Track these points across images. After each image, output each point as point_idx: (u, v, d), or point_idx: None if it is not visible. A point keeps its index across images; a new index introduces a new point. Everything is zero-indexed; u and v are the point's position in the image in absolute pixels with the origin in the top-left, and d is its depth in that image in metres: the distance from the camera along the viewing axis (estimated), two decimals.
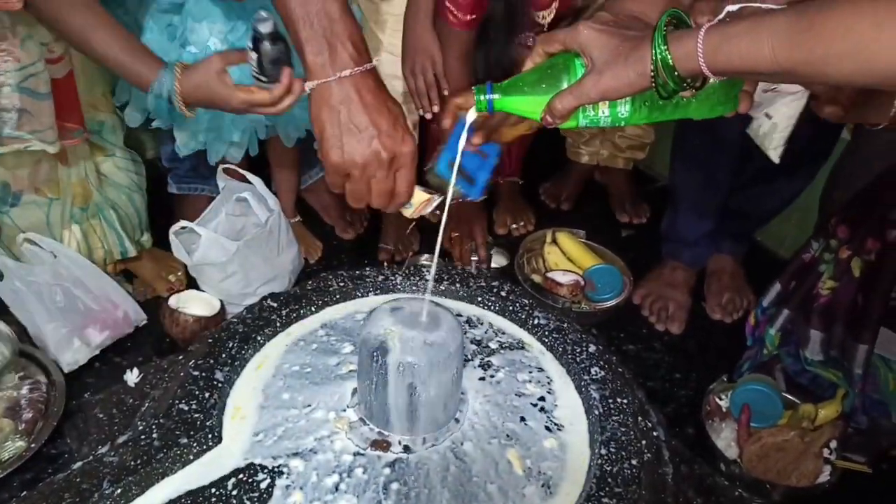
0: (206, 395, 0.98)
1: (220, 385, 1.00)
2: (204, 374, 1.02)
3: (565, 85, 0.81)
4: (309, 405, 0.99)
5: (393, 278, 1.25)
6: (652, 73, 0.73)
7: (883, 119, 1.05)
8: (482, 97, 0.85)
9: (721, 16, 0.79)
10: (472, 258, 1.83)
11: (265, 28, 1.09)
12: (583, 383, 1.04)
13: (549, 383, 1.06)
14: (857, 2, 0.61)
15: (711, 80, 0.74)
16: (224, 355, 1.06)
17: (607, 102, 0.81)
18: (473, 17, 1.56)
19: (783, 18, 0.66)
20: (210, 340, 1.10)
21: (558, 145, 2.26)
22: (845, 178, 1.55)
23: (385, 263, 1.90)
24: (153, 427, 0.94)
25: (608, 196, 2.25)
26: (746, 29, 0.68)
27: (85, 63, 1.49)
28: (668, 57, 0.72)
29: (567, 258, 1.84)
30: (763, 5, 0.81)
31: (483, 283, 1.25)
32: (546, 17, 1.59)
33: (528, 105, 0.84)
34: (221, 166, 1.64)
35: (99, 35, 1.21)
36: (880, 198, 1.27)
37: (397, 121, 0.89)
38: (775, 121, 1.10)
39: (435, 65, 1.61)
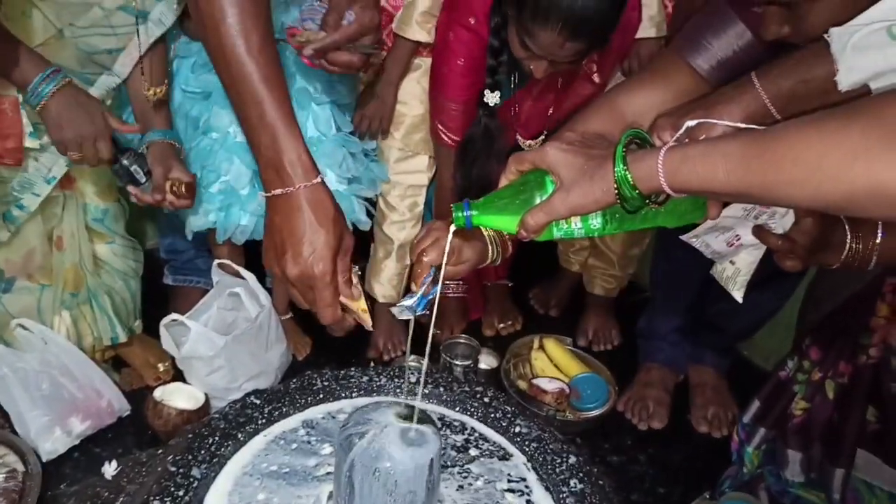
0: (181, 492, 0.97)
1: (196, 482, 1.00)
2: (181, 471, 1.01)
3: (538, 200, 0.85)
4: None
5: (377, 379, 1.26)
6: (616, 191, 0.77)
7: (836, 261, 1.12)
8: (460, 214, 0.90)
9: (681, 131, 0.84)
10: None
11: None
12: (562, 496, 1.04)
13: (528, 494, 1.05)
14: (803, 131, 0.66)
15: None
16: (203, 452, 1.05)
17: (579, 216, 0.85)
18: (461, 138, 1.72)
19: (735, 144, 0.70)
20: (190, 436, 1.09)
21: (551, 251, 2.30)
22: (817, 300, 1.58)
23: (373, 363, 1.91)
24: None
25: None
26: (702, 152, 0.72)
27: None
28: (629, 176, 0.76)
29: (553, 365, 1.85)
30: (719, 122, 0.86)
31: (467, 389, 1.26)
32: (533, 146, 1.70)
33: (504, 220, 0.89)
34: (217, 261, 1.67)
35: None
36: (850, 322, 1.30)
37: (305, 243, 0.91)
38: (738, 266, 1.17)
39: (383, 120, 1.76)
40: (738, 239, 1.14)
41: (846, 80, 0.74)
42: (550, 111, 1.73)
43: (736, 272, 1.17)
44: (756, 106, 0.96)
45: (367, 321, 1.01)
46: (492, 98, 1.62)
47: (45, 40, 1.36)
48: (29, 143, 1.38)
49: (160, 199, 1.46)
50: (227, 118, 1.59)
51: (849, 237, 1.11)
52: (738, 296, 1.18)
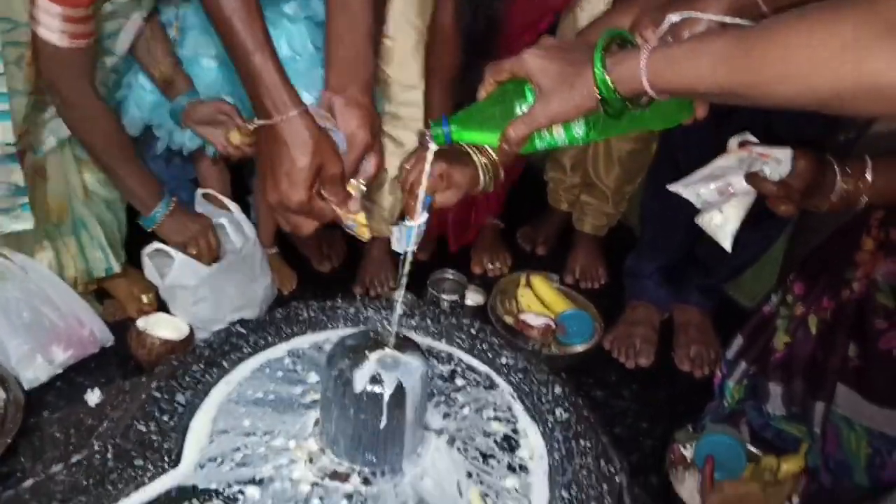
0: (166, 417, 0.97)
1: (180, 408, 0.99)
2: (165, 397, 1.00)
3: (518, 111, 0.83)
4: (269, 433, 0.97)
5: (364, 311, 1.25)
6: (597, 95, 0.75)
7: (824, 205, 1.12)
8: (439, 130, 0.87)
9: (663, 27, 0.81)
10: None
11: None
12: (547, 424, 1.04)
13: (513, 423, 1.06)
14: (792, 27, 0.63)
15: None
16: (188, 378, 1.04)
17: (561, 124, 0.83)
18: None
19: (722, 42, 0.68)
20: (175, 363, 1.08)
21: (540, 189, 2.28)
22: (803, 235, 1.58)
23: (359, 297, 1.90)
24: (109, 447, 0.92)
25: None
26: (688, 52, 0.70)
27: None
28: (608, 79, 0.74)
29: (540, 301, 1.85)
30: (704, 16, 0.83)
31: (454, 321, 1.25)
32: None
33: (484, 135, 0.87)
34: (200, 191, 1.64)
35: (115, 154, 1.45)
36: (835, 256, 1.30)
37: (282, 175, 0.94)
38: (727, 215, 1.15)
39: None
40: (730, 187, 1.11)
41: None
42: None
43: (724, 221, 1.14)
44: None
45: (365, 235, 1.06)
46: None
47: None
48: None
49: (237, 151, 1.51)
50: (200, 41, 1.56)
51: (839, 178, 1.10)
52: (727, 245, 1.16)
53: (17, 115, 1.32)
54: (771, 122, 1.40)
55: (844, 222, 1.31)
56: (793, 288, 1.34)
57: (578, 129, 0.83)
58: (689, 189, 1.15)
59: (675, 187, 1.16)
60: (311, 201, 0.97)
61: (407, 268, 0.95)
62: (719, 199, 1.13)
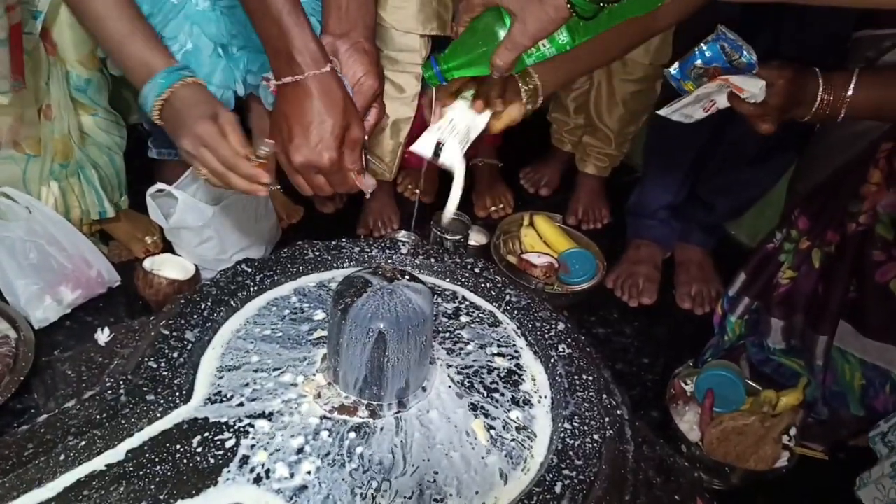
0: (175, 354, 0.98)
1: (190, 345, 1.01)
2: (174, 334, 1.02)
3: (502, 34, 0.85)
4: (278, 368, 0.99)
5: (369, 250, 1.26)
6: (567, 4, 0.78)
7: (807, 114, 1.16)
8: (430, 72, 0.89)
9: None
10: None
11: None
12: (550, 360, 1.06)
13: (517, 358, 1.08)
14: None
15: None
16: (196, 317, 1.06)
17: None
18: None
19: None
20: (182, 302, 1.10)
21: (542, 131, 2.27)
22: (808, 170, 1.58)
23: (363, 238, 1.91)
24: (120, 383, 0.94)
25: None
26: None
27: (73, 19, 1.47)
28: None
29: (543, 241, 1.86)
30: None
31: (458, 260, 1.26)
32: None
33: (474, 67, 0.89)
34: None
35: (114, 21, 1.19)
36: (840, 190, 1.29)
37: (312, 131, 0.93)
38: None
39: None
40: (714, 104, 1.20)
41: None
42: None
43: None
44: None
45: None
46: None
47: None
48: None
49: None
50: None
51: (821, 90, 1.14)
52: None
53: None
54: (779, 47, 1.42)
55: (852, 156, 1.31)
56: (797, 222, 1.35)
57: (563, 37, 0.86)
58: (678, 113, 1.23)
59: (665, 112, 1.23)
60: (342, 160, 0.96)
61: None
62: (705, 115, 1.23)
